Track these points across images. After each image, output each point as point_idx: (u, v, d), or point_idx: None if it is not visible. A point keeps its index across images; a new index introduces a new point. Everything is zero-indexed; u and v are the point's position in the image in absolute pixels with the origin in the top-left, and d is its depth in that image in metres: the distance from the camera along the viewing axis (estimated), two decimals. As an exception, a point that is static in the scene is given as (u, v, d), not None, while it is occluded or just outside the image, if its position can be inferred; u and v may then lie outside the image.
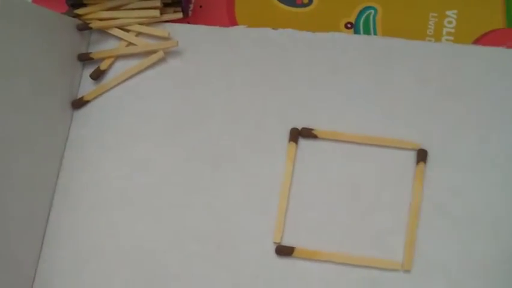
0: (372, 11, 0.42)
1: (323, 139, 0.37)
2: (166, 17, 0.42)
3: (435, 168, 0.36)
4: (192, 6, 0.44)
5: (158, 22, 0.42)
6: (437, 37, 0.41)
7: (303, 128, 0.37)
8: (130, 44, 0.41)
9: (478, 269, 0.33)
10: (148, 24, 0.42)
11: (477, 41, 0.40)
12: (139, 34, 0.42)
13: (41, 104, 0.38)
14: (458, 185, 0.35)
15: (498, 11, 0.41)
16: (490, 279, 0.33)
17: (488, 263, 0.33)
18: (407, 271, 0.34)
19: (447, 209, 0.35)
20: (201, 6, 0.44)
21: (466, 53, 0.38)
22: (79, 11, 0.42)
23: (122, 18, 0.41)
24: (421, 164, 0.36)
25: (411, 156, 0.36)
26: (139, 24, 0.41)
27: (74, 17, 0.42)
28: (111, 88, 0.41)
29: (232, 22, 0.43)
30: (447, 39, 0.41)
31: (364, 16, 0.42)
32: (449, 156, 0.36)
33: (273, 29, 0.41)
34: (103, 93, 0.41)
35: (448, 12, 0.41)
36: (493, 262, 0.33)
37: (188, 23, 0.43)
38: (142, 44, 0.41)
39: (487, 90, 0.37)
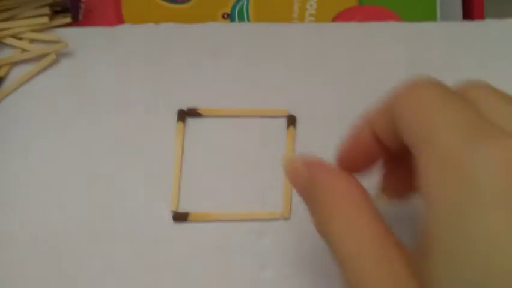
0: (245, 1, 0.47)
1: (207, 116, 0.42)
2: (55, 22, 0.45)
3: (304, 130, 0.41)
4: (81, 11, 0.47)
5: (49, 28, 0.45)
6: (301, 19, 0.47)
7: (188, 109, 0.42)
8: (24, 50, 0.45)
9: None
10: (41, 31, 0.45)
11: (334, 19, 0.46)
12: (32, 41, 0.45)
13: None
14: (323, 142, 0.40)
15: (351, -10, 0.47)
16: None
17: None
18: (287, 219, 0.39)
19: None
20: (90, 11, 0.48)
21: (322, 29, 0.44)
22: (-28, 25, 0.44)
23: (15, 28, 0.45)
24: (291, 128, 0.41)
25: (283, 122, 0.41)
26: (32, 31, 0.45)
27: (-33, 30, 0.44)
28: (9, 93, 0.44)
29: (120, 22, 0.47)
30: (310, 20, 0.46)
31: (238, 6, 0.47)
32: (314, 119, 0.41)
33: (155, 24, 0.45)
34: (2, 99, 0.44)
35: (310, -3, 0.47)
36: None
37: (80, 26, 0.47)
38: (35, 49, 0.44)
39: (340, 61, 0.43)
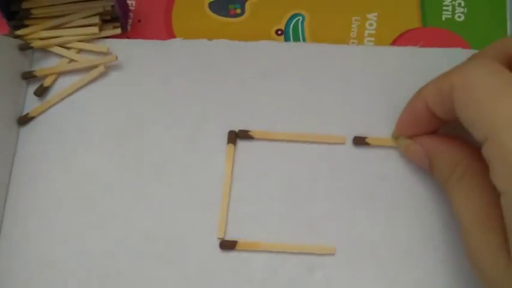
0: (300, 18, 0.45)
1: (259, 139, 0.40)
2: (105, 33, 0.44)
3: (362, 159, 0.39)
4: (130, 21, 0.46)
5: (98, 38, 0.44)
6: (360, 39, 0.44)
7: (240, 130, 0.40)
8: (71, 60, 0.43)
9: (402, 249, 0.37)
10: (89, 41, 0.44)
11: (396, 40, 0.44)
12: (80, 51, 0.44)
13: (-13, 123, 0.40)
14: (383, 172, 0.38)
15: (414, 11, 0.44)
16: (414, 256, 0.36)
17: (412, 243, 0.37)
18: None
19: (375, 194, 0.38)
20: (139, 21, 0.46)
21: (383, 53, 0.41)
22: (20, 32, 0.43)
23: (63, 36, 0.43)
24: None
25: (339, 148, 0.39)
26: (80, 41, 0.43)
27: (15, 37, 0.43)
28: (55, 103, 0.43)
29: (170, 35, 0.45)
30: (369, 40, 0.44)
31: (293, 23, 0.45)
32: (373, 148, 0.39)
33: (208, 40, 0.43)
34: (48, 108, 0.43)
35: (369, 16, 0.45)
36: (416, 241, 0.37)
37: (128, 37, 0.45)
38: (83, 59, 0.43)
39: (401, 86, 0.40)
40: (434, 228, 0.37)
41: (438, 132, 0.36)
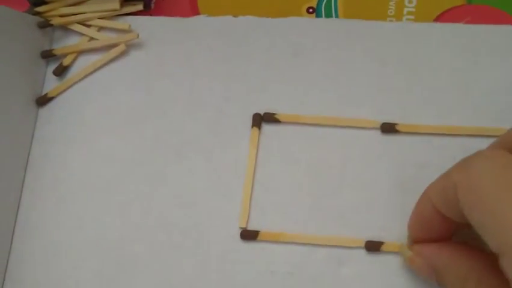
0: (334, -6, 0.42)
1: (286, 123, 0.37)
2: (126, 9, 0.42)
3: (396, 146, 0.36)
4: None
5: (119, 15, 0.42)
6: (398, 17, 0.41)
7: (265, 113, 0.38)
8: (91, 38, 0.41)
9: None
10: (110, 18, 0.42)
11: (438, 19, 0.40)
12: (100, 28, 0.42)
13: (5, 103, 0.38)
14: (420, 160, 0.35)
15: (459, -13, 0.41)
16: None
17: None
18: (371, 248, 0.34)
19: (410, 184, 0.35)
20: (163, -1, 0.44)
21: (424, 30, 0.38)
22: (40, 9, 0.42)
23: (83, 13, 0.41)
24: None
25: (373, 134, 0.36)
26: (100, 18, 0.41)
27: (35, 14, 0.42)
28: (74, 83, 0.41)
29: (195, 13, 0.43)
30: (408, 19, 0.41)
31: (325, 0, 0.42)
32: (408, 133, 0.36)
33: (234, 16, 0.41)
34: (67, 88, 0.41)
35: (409, -8, 0.41)
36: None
37: (151, 15, 0.43)
38: (104, 38, 0.41)
39: (444, 66, 0.37)
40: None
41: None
